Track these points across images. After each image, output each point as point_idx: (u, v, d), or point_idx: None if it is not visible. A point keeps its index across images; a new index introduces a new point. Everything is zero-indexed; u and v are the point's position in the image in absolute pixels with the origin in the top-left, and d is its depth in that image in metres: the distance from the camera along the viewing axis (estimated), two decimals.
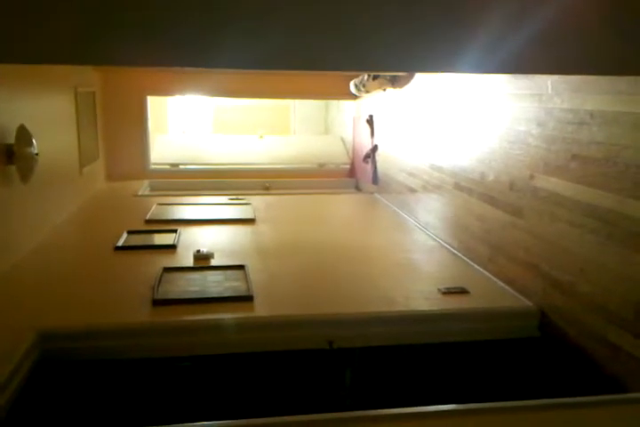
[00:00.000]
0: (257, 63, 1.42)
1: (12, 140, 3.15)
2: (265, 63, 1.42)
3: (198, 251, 3.42)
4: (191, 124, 9.66)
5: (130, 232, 3.89)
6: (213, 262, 3.33)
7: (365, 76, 5.29)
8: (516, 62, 1.49)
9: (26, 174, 3.32)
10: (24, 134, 3.31)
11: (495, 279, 3.11)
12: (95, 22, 1.27)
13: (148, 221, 4.30)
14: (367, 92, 5.46)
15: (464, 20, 1.40)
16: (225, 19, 1.29)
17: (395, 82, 5.05)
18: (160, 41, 1.30)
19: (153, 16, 1.27)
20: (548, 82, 2.69)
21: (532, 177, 2.82)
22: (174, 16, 1.27)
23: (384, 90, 5.35)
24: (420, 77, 4.54)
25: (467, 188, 3.57)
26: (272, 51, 1.35)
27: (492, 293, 2.97)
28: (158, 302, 2.66)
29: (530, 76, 2.84)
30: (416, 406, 1.75)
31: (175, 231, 3.95)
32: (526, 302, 2.80)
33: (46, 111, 4.01)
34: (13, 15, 1.23)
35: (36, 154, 3.40)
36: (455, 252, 3.64)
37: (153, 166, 6.53)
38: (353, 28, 1.35)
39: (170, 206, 4.89)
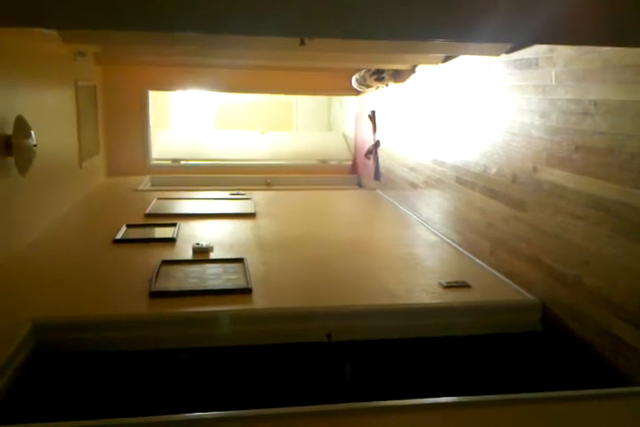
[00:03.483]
0: (277, 30, 1.34)
1: (10, 131, 3.12)
2: (287, 31, 1.33)
3: (197, 244, 3.39)
4: (193, 120, 9.64)
5: (129, 226, 3.86)
6: (212, 256, 3.30)
7: (363, 72, 5.25)
8: (545, 32, 1.40)
9: (24, 166, 3.29)
10: (22, 126, 3.28)
11: (497, 273, 3.08)
12: None
13: (148, 215, 4.27)
14: (369, 86, 5.42)
15: None
16: None
17: (396, 77, 5.01)
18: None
19: None
20: (551, 72, 2.65)
21: (535, 169, 2.78)
22: None
23: (386, 85, 5.31)
24: (421, 71, 4.51)
25: (469, 182, 3.53)
26: (292, 17, 1.27)
27: (494, 286, 2.93)
28: (155, 295, 2.64)
29: (534, 66, 2.80)
30: None
31: (175, 225, 3.92)
32: (529, 296, 2.76)
33: (46, 104, 3.98)
34: None
35: (35, 146, 3.37)
36: (457, 246, 3.61)
37: (154, 162, 6.50)
38: None
39: (170, 201, 4.86)
